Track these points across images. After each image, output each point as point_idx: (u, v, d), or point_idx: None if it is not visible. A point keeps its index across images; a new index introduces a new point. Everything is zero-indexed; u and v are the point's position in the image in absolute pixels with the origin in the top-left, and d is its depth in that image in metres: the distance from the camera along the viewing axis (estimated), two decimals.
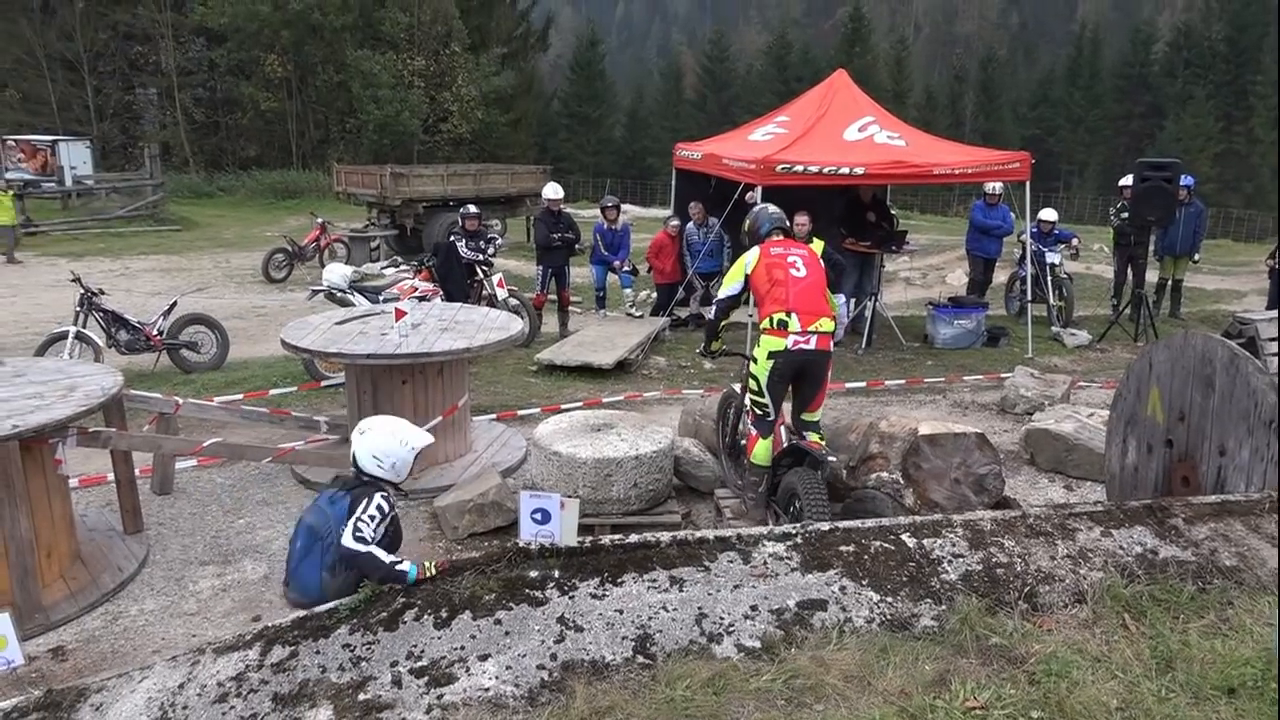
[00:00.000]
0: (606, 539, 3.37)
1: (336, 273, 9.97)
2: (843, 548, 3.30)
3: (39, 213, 22.61)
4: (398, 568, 3.32)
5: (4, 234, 17.96)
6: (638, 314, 12.36)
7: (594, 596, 3.04)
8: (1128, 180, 11.99)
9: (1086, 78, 59.75)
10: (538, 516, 3.27)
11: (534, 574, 3.14)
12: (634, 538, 3.36)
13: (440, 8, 36.79)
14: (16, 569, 4.70)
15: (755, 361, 5.32)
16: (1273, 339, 9.53)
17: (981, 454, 5.46)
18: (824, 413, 5.72)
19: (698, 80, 66.61)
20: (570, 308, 12.02)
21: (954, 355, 10.82)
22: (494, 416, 8.17)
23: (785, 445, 5.32)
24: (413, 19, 36.50)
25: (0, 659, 3.46)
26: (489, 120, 38.64)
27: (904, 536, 3.38)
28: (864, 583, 3.13)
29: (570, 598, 3.03)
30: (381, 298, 9.46)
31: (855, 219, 11.16)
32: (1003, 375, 9.43)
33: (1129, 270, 12.52)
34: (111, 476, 5.94)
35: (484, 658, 2.80)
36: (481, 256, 10.90)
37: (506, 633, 2.88)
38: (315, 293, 10.05)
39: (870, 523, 3.50)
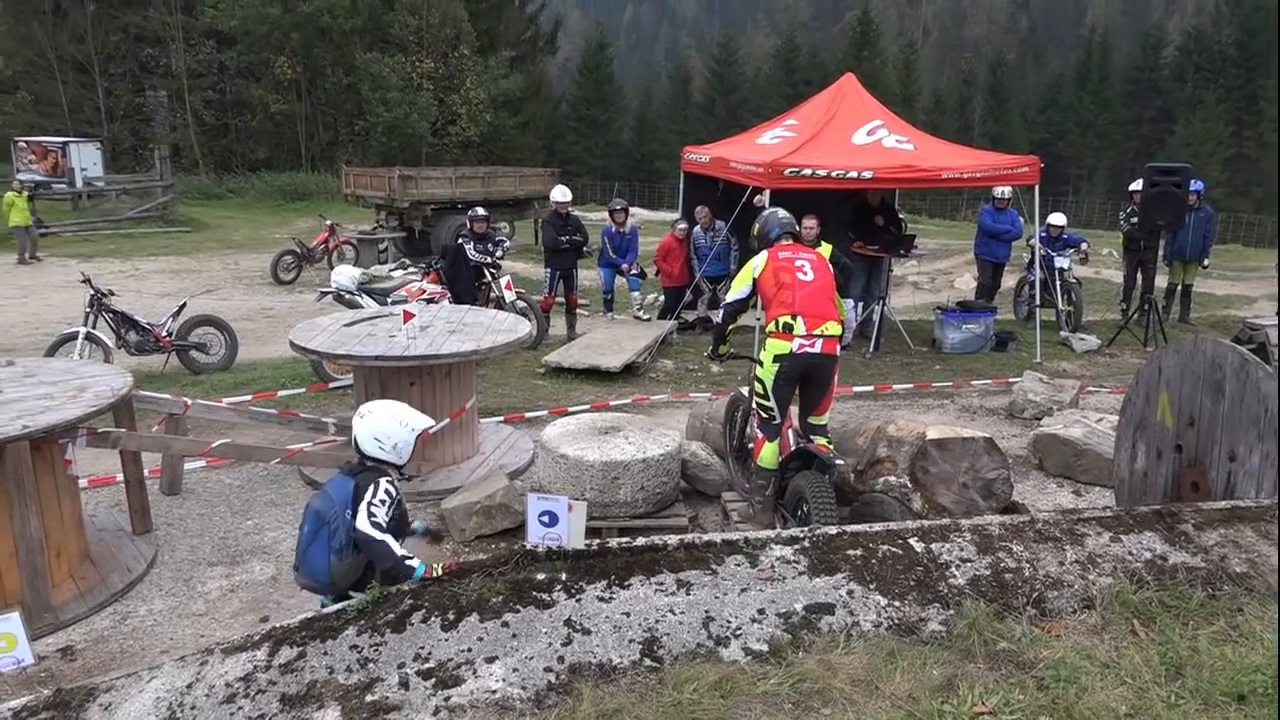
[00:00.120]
0: (614, 542, 3.36)
1: (345, 275, 10.00)
2: (850, 552, 3.29)
3: (50, 214, 22.73)
4: (407, 562, 3.35)
5: (19, 235, 18.05)
6: (645, 317, 12.36)
7: (601, 599, 3.04)
8: (1138, 185, 11.95)
9: (1096, 82, 59.61)
10: (545, 519, 3.28)
11: (541, 576, 3.13)
12: (641, 540, 3.36)
13: (449, 11, 36.89)
14: (26, 568, 4.72)
15: (761, 365, 5.32)
16: None
17: (990, 458, 5.45)
18: (832, 416, 5.71)
19: (706, 83, 66.63)
20: (578, 310, 12.03)
21: (962, 360, 10.79)
22: (501, 419, 8.18)
23: (793, 449, 5.31)
24: (422, 22, 36.60)
25: (10, 658, 3.47)
26: (497, 123, 38.74)
27: (912, 541, 3.37)
28: (871, 587, 3.13)
29: (577, 600, 3.02)
30: (390, 300, 9.49)
31: (863, 223, 11.15)
32: (1011, 380, 9.41)
33: (1139, 275, 12.48)
34: (121, 477, 5.97)
35: (491, 660, 2.80)
36: (489, 259, 10.93)
37: (514, 635, 2.88)
38: (324, 294, 10.07)
39: (878, 527, 3.49)
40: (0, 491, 4.68)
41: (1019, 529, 3.46)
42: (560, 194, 11.97)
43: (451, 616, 2.97)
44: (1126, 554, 3.33)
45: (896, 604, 3.06)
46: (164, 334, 9.55)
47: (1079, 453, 6.86)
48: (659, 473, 5.76)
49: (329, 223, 17.81)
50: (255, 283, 16.36)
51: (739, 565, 3.20)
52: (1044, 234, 12.03)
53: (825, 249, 9.28)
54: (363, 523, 3.53)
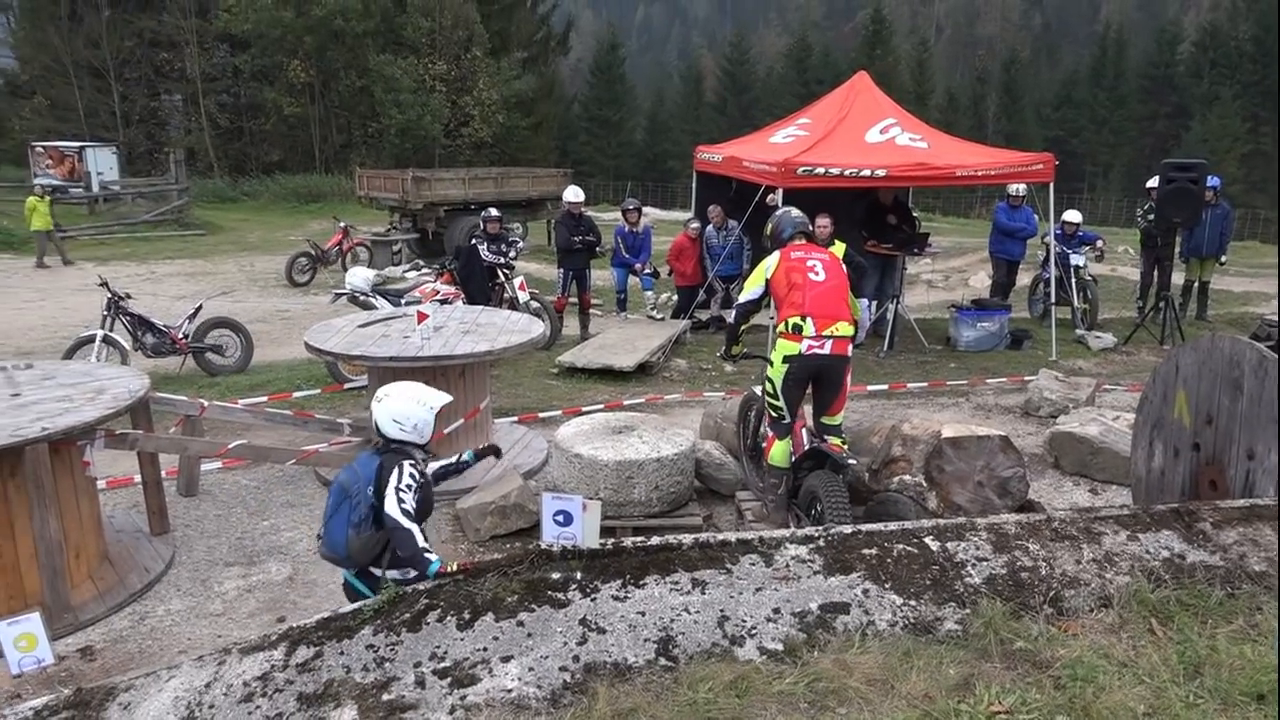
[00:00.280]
0: (628, 541, 3.37)
1: (359, 276, 10.04)
2: (865, 551, 3.28)
3: (66, 218, 22.89)
4: (426, 554, 3.38)
5: (39, 239, 18.19)
6: (659, 316, 12.36)
7: (616, 598, 3.04)
8: (1155, 182, 11.88)
9: (1111, 78, 59.24)
10: (560, 518, 3.28)
11: (556, 576, 3.14)
12: (656, 540, 3.36)
13: (461, 12, 36.97)
14: (46, 569, 4.76)
15: (771, 365, 5.32)
16: None
17: (1005, 457, 5.43)
18: (846, 416, 5.70)
19: (718, 83, 66.59)
20: (591, 310, 12.04)
21: (977, 358, 10.75)
22: (515, 419, 8.20)
23: (807, 448, 5.30)
24: (434, 24, 36.70)
25: (31, 658, 3.50)
26: (510, 124, 38.80)
27: (927, 539, 3.36)
28: (887, 586, 3.12)
29: (592, 599, 3.03)
30: (404, 301, 9.52)
31: (877, 221, 11.11)
32: (1026, 378, 9.37)
33: (1155, 272, 12.40)
34: (138, 478, 6.01)
35: (507, 659, 2.80)
36: (503, 259, 10.95)
37: (529, 634, 2.89)
38: (338, 296, 10.12)
39: (893, 526, 3.48)
40: (20, 493, 4.72)
41: (1035, 528, 3.44)
42: (573, 194, 11.99)
43: (467, 616, 2.98)
44: (1144, 552, 3.31)
45: (912, 603, 3.05)
46: (180, 336, 9.61)
47: (1095, 451, 6.82)
48: (673, 472, 5.76)
49: (343, 225, 17.87)
50: (270, 285, 16.45)
51: (754, 564, 3.20)
52: (1059, 231, 11.97)
53: (839, 248, 9.27)
54: (392, 508, 3.56)
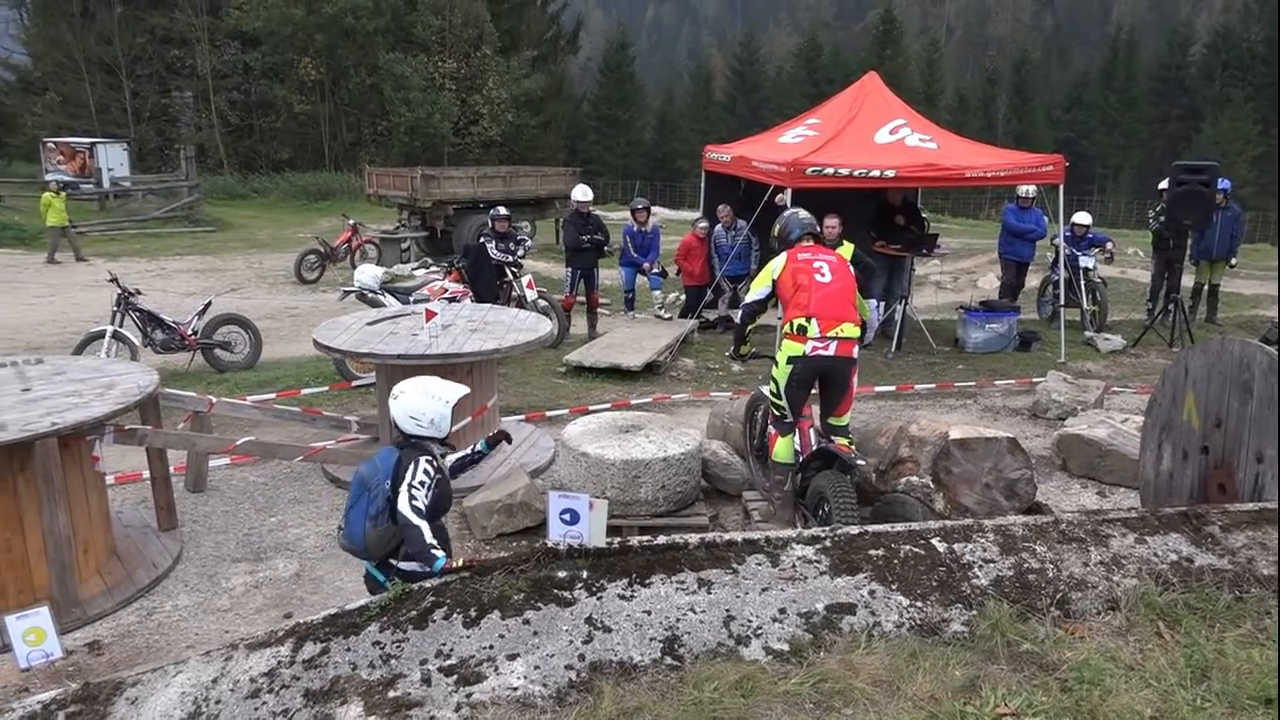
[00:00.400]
0: (635, 540, 3.37)
1: (368, 274, 10.06)
2: (872, 551, 3.28)
3: (77, 214, 22.91)
4: (433, 550, 3.43)
5: (53, 235, 18.26)
6: (666, 316, 12.36)
7: (622, 597, 3.04)
8: (1167, 184, 11.83)
9: (1122, 80, 59.00)
10: (566, 517, 3.29)
11: (562, 574, 3.14)
12: (662, 539, 3.36)
13: (471, 11, 37.01)
14: (55, 564, 4.78)
15: (776, 365, 5.34)
16: None
17: (1013, 459, 5.42)
18: (853, 417, 5.69)
19: (727, 83, 66.48)
20: (599, 309, 12.05)
21: (985, 359, 10.72)
22: (522, 417, 8.20)
23: (814, 448, 5.30)
24: (444, 22, 36.75)
25: (39, 652, 3.53)
26: (519, 123, 38.83)
27: (934, 541, 3.35)
28: (893, 587, 3.11)
29: (598, 598, 3.03)
30: (412, 299, 9.53)
31: (885, 222, 11.09)
32: (1035, 380, 9.35)
33: (1166, 274, 12.35)
34: (147, 474, 6.03)
35: (512, 657, 2.81)
36: (511, 258, 10.95)
37: (535, 632, 2.89)
38: (347, 293, 10.14)
39: (900, 527, 3.48)
40: (29, 487, 4.74)
41: (1043, 529, 3.43)
42: (581, 193, 11.99)
43: (473, 614, 2.98)
44: (1152, 555, 3.30)
45: (919, 604, 3.04)
46: (189, 332, 9.64)
47: (1103, 453, 6.80)
48: (680, 471, 5.75)
49: (352, 222, 17.91)
50: (279, 282, 16.49)
51: (760, 564, 3.20)
52: (1068, 233, 11.94)
53: (847, 248, 9.26)
54: (404, 504, 3.60)
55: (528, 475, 6.24)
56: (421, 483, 3.68)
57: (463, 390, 4.01)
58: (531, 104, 40.08)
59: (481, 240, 11.01)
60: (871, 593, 3.08)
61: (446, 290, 9.94)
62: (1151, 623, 2.97)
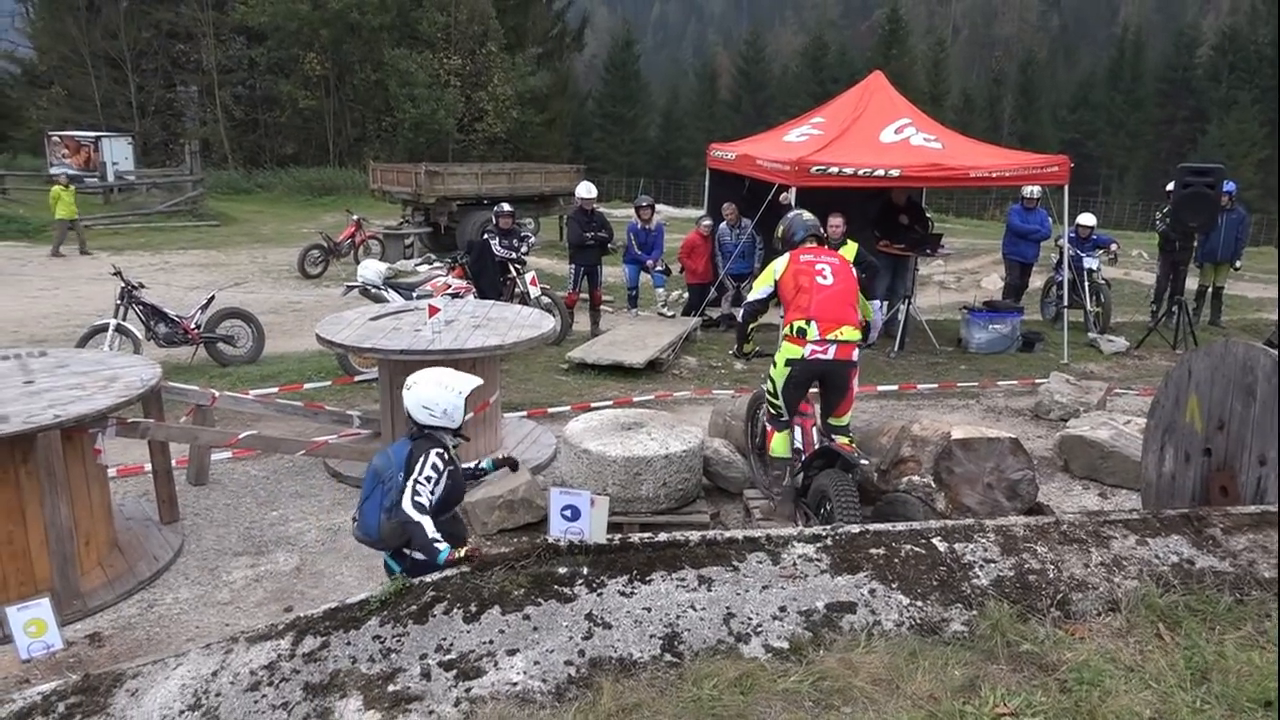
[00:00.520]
0: (635, 537, 3.37)
1: (371, 269, 10.06)
2: (873, 550, 3.28)
3: (81, 208, 22.93)
4: (435, 544, 3.44)
5: (60, 227, 18.29)
6: (669, 314, 12.35)
7: (622, 594, 3.04)
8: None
9: (1128, 81, 58.90)
10: (567, 513, 3.29)
11: (563, 570, 3.15)
12: (663, 536, 3.36)
13: (477, 7, 37.00)
14: (56, 556, 4.79)
15: (775, 366, 5.35)
16: None
17: (1015, 459, 5.41)
18: (854, 417, 5.69)
19: (733, 81, 66.45)
20: (602, 307, 12.04)
21: (988, 360, 10.71)
22: (525, 414, 8.21)
23: (817, 447, 5.31)
24: (450, 18, 36.75)
25: (40, 643, 3.53)
26: (524, 119, 38.83)
27: (935, 540, 3.35)
28: (894, 586, 3.11)
29: (599, 595, 3.03)
30: (415, 294, 9.53)
31: (889, 221, 11.08)
32: (1037, 381, 9.34)
33: (1171, 276, 12.33)
34: (149, 467, 6.03)
35: (512, 652, 2.81)
36: (515, 254, 10.95)
37: (535, 628, 2.89)
38: (350, 289, 10.14)
39: (901, 526, 3.48)
40: (32, 479, 4.75)
41: (1044, 530, 3.43)
42: (585, 191, 11.98)
43: (473, 609, 2.98)
44: (1153, 557, 3.30)
45: (919, 604, 3.04)
46: (192, 326, 9.65)
47: (1105, 455, 6.79)
48: (681, 469, 5.75)
49: (356, 218, 17.92)
50: (282, 276, 16.50)
51: (760, 562, 3.20)
52: (1073, 234, 11.91)
53: (851, 248, 9.24)
54: (406, 501, 3.62)
55: (529, 471, 6.24)
56: (428, 478, 3.69)
57: (476, 381, 4.04)
58: (536, 101, 40.09)
59: (485, 237, 11.01)
60: (872, 591, 3.08)
61: (450, 286, 9.94)
62: (1152, 624, 2.97)
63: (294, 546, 5.69)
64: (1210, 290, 12.94)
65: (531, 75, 39.02)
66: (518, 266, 10.97)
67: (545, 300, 10.78)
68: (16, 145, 35.69)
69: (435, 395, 3.88)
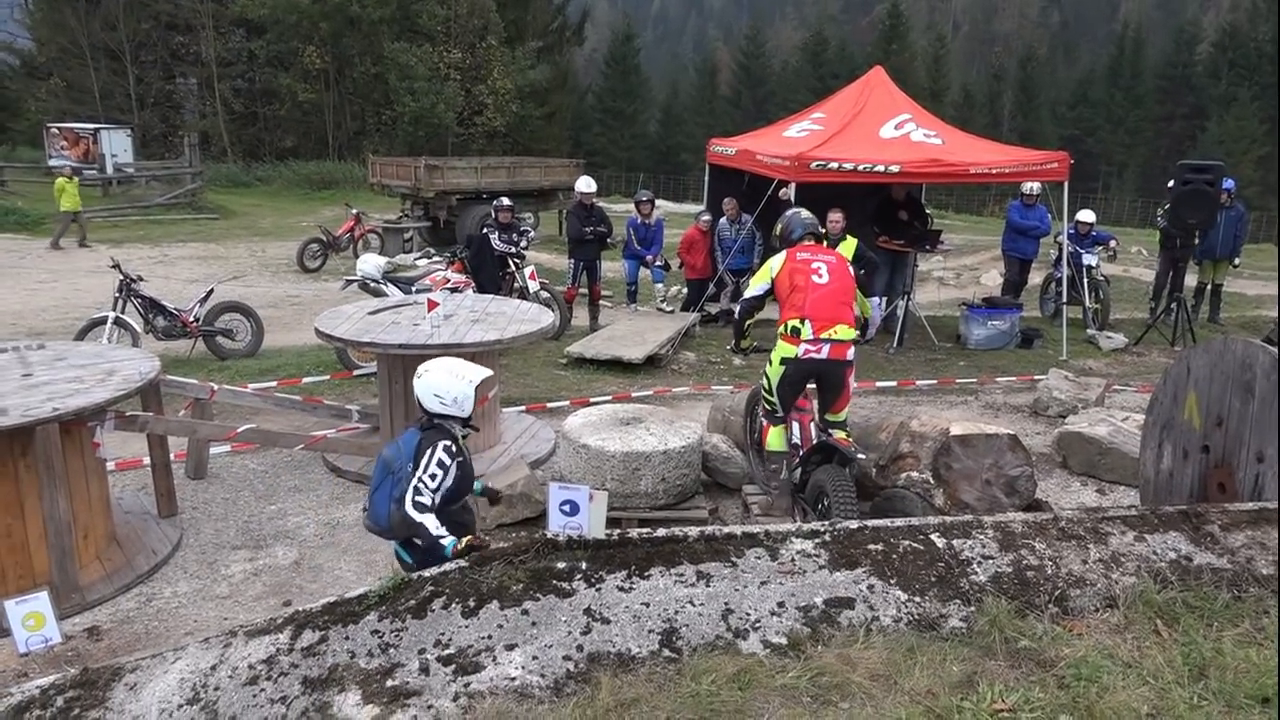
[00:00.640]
0: (634, 532, 3.37)
1: (370, 263, 10.05)
2: (871, 546, 3.28)
3: (81, 200, 22.96)
4: (441, 541, 3.50)
5: (62, 219, 18.29)
6: (668, 309, 12.35)
7: (621, 589, 3.04)
8: None
9: (1128, 78, 58.81)
10: (566, 508, 3.28)
11: (562, 565, 3.15)
12: (662, 532, 3.37)
13: (477, 1, 36.93)
14: (55, 549, 4.79)
15: (770, 364, 5.36)
16: None
17: (1014, 456, 5.42)
18: (853, 412, 5.70)
19: (733, 76, 66.31)
20: (601, 302, 12.04)
21: (987, 356, 10.71)
22: (523, 408, 8.20)
23: (815, 442, 5.32)
24: (450, 12, 36.67)
25: (38, 636, 3.53)
26: (523, 114, 38.77)
27: (933, 536, 3.36)
28: (892, 582, 3.12)
29: (597, 590, 3.04)
30: (414, 289, 9.53)
31: (888, 217, 11.08)
32: (1036, 377, 9.34)
33: (1171, 273, 12.32)
34: (147, 460, 6.04)
35: (511, 647, 2.81)
36: (514, 249, 10.95)
37: (533, 623, 2.90)
38: (349, 283, 10.13)
39: (899, 522, 3.48)
40: (30, 473, 4.75)
41: (1042, 526, 3.43)
42: (585, 185, 11.97)
43: (472, 604, 2.98)
44: (1151, 553, 3.30)
45: (917, 599, 3.05)
46: (191, 320, 9.64)
47: (1104, 451, 6.79)
48: (680, 464, 5.76)
49: (355, 211, 17.89)
50: (281, 270, 16.48)
51: (759, 558, 3.20)
52: (1072, 231, 11.91)
53: (850, 243, 9.22)
54: (408, 502, 3.67)
55: (528, 466, 6.24)
56: (433, 475, 3.72)
57: (486, 372, 4.08)
58: (536, 95, 40.02)
59: (484, 231, 11.00)
60: (870, 587, 3.09)
61: (449, 280, 9.94)
62: (1149, 621, 2.97)
63: (293, 541, 5.69)
64: (1209, 287, 12.94)
65: (531, 69, 38.95)
66: (517, 261, 10.96)
67: (544, 295, 10.78)
68: (15, 137, 35.67)
69: (446, 383, 3.91)
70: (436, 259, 11.47)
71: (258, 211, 25.91)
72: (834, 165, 9.73)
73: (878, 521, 3.50)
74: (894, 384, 9.34)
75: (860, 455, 5.06)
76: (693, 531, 3.35)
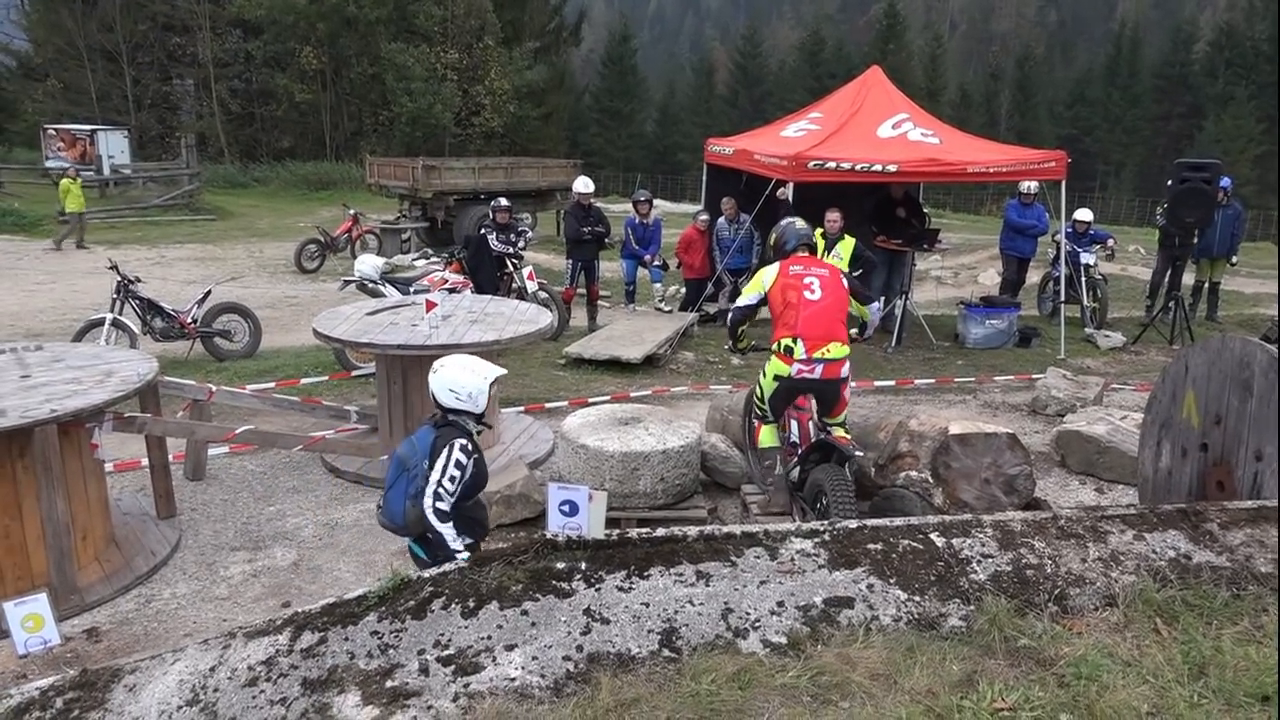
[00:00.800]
0: (633, 532, 3.37)
1: (368, 264, 10.05)
2: (870, 546, 3.28)
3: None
4: (459, 556, 3.57)
5: (71, 220, 18.29)
6: (666, 309, 12.35)
7: (620, 589, 3.04)
8: None
9: (1125, 77, 58.88)
10: (565, 508, 3.28)
11: (561, 565, 3.14)
12: (661, 531, 3.36)
13: (474, 2, 36.92)
14: (53, 551, 4.78)
15: (764, 375, 5.38)
16: None
17: (1012, 454, 5.42)
18: (851, 412, 5.71)
19: (730, 76, 66.30)
20: (599, 302, 12.04)
21: (985, 355, 10.72)
22: (522, 409, 8.20)
23: (813, 440, 5.32)
24: (447, 12, 36.67)
25: (37, 638, 3.52)
26: (521, 114, 38.77)
27: (933, 535, 3.36)
28: (891, 581, 3.12)
29: (597, 590, 3.03)
30: (412, 289, 9.53)
31: (886, 216, 11.08)
32: (1034, 376, 9.35)
33: (1169, 272, 12.33)
34: (146, 461, 6.03)
35: (510, 648, 2.81)
36: (512, 249, 10.94)
37: (533, 623, 2.89)
38: (347, 283, 10.13)
39: (899, 521, 3.48)
40: (28, 474, 4.74)
41: (1041, 525, 3.43)
42: (582, 185, 11.96)
43: (472, 604, 2.98)
44: (1150, 552, 3.30)
45: (916, 599, 3.05)
46: (189, 321, 9.64)
47: (1102, 450, 6.80)
48: (679, 464, 5.76)
49: (352, 212, 17.89)
50: (279, 271, 16.47)
51: (758, 557, 3.20)
52: (1070, 230, 11.92)
53: (848, 243, 9.21)
54: (428, 507, 3.75)
55: (526, 467, 6.24)
56: (451, 477, 3.78)
57: (500, 370, 4.12)
58: (533, 95, 40.02)
59: (482, 231, 11.00)
60: (870, 586, 3.09)
61: (447, 281, 9.94)
62: (1149, 619, 2.97)
63: (291, 542, 5.69)
64: (1207, 285, 12.96)
65: (528, 69, 38.96)
66: (515, 261, 10.96)
67: (542, 295, 10.78)
68: (12, 138, 35.61)
69: (462, 379, 3.95)
70: (434, 259, 11.48)
71: (255, 212, 25.89)
72: (831, 165, 9.74)
73: (877, 521, 3.50)
74: (892, 383, 9.34)
75: (859, 453, 5.07)
76: (692, 531, 3.35)
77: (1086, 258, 11.98)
